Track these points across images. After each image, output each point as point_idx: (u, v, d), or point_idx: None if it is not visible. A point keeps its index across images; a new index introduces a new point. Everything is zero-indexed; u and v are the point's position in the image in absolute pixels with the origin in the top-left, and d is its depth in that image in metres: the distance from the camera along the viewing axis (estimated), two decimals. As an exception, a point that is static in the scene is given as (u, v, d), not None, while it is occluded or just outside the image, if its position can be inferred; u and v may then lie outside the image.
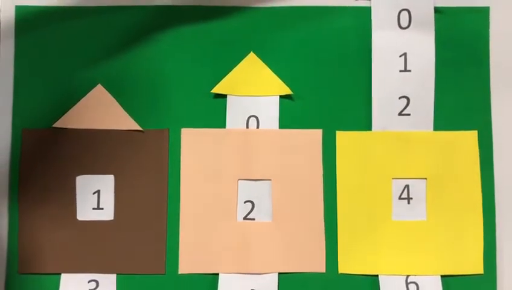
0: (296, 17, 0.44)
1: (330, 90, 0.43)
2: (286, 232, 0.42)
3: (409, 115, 0.43)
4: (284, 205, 0.42)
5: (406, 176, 0.43)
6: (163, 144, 0.43)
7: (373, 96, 0.43)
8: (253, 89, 0.43)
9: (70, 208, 0.42)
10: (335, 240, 0.42)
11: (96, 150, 0.43)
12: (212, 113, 0.43)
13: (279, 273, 0.42)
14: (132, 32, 0.44)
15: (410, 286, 0.42)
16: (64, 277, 0.42)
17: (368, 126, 0.43)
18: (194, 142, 0.43)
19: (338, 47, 0.44)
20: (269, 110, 0.43)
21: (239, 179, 0.43)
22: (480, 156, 0.43)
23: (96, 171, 0.43)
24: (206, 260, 0.42)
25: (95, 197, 0.43)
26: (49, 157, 0.43)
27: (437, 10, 0.43)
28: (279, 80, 0.43)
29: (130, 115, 0.43)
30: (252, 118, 0.43)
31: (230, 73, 0.43)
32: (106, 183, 0.43)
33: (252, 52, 0.43)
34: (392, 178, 0.43)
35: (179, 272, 0.42)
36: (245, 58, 0.43)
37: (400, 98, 0.43)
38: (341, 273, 0.42)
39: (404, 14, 0.43)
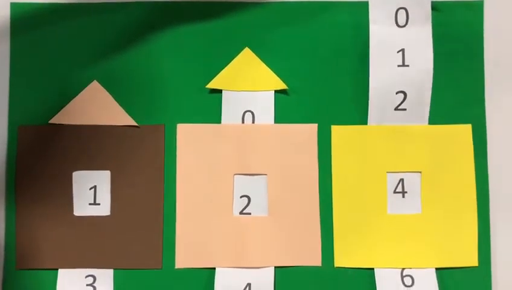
0: (292, 12, 0.44)
1: (325, 85, 0.43)
2: (282, 227, 0.42)
3: (404, 110, 0.43)
4: (280, 200, 0.43)
5: (400, 170, 0.43)
6: (159, 139, 0.43)
7: (370, 91, 0.43)
8: (249, 84, 0.43)
9: (67, 203, 0.42)
10: (331, 233, 0.42)
11: (92, 146, 0.43)
12: (208, 109, 0.43)
13: (276, 267, 0.42)
14: (127, 28, 0.44)
15: (405, 279, 0.42)
16: (62, 272, 0.42)
17: (362, 121, 0.43)
18: (189, 137, 0.43)
19: (333, 42, 0.44)
20: (264, 105, 0.43)
21: (235, 174, 0.43)
22: (474, 149, 0.43)
23: (93, 167, 0.43)
24: (202, 255, 0.42)
25: (92, 193, 0.43)
26: (46, 153, 0.43)
27: (431, 5, 0.43)
28: (275, 75, 0.43)
29: (125, 110, 0.43)
30: (247, 113, 0.43)
31: (225, 68, 0.43)
32: (102, 178, 0.43)
33: (247, 47, 0.43)
34: (387, 172, 0.43)
35: (176, 267, 0.42)
36: (240, 54, 0.43)
37: (397, 93, 0.43)
38: (337, 267, 0.42)
39: (402, 12, 0.43)
